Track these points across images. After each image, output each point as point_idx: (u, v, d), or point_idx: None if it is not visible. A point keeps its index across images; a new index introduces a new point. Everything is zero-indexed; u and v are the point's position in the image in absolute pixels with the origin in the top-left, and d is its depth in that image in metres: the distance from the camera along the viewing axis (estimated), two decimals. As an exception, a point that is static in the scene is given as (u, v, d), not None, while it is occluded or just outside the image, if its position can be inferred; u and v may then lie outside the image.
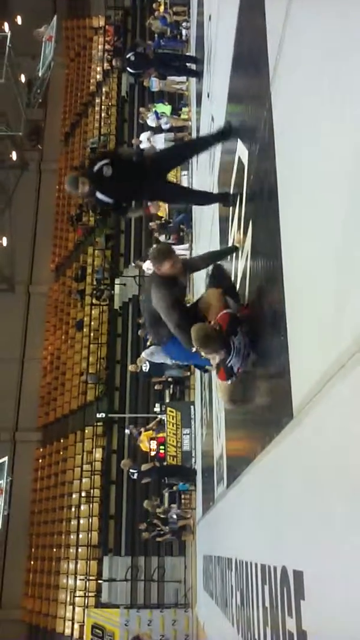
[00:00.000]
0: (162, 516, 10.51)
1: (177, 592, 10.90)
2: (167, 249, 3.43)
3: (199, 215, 8.89)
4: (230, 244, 3.82)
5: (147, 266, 12.67)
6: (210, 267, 3.70)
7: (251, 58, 3.13)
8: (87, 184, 3.76)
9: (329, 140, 1.67)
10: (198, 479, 9.32)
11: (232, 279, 3.52)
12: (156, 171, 3.99)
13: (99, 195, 3.79)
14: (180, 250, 12.02)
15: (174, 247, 12.36)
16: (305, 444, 1.88)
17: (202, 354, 2.92)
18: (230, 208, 3.99)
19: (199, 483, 8.94)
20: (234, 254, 3.61)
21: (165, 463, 10.51)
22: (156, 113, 13.16)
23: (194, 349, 2.99)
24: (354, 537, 1.38)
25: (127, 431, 12.33)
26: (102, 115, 18.00)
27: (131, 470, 10.75)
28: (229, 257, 3.81)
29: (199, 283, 6.87)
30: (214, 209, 5.72)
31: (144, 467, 10.57)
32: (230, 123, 3.85)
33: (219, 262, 3.68)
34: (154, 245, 3.97)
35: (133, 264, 14.18)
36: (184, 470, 10.12)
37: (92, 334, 15.36)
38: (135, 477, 10.72)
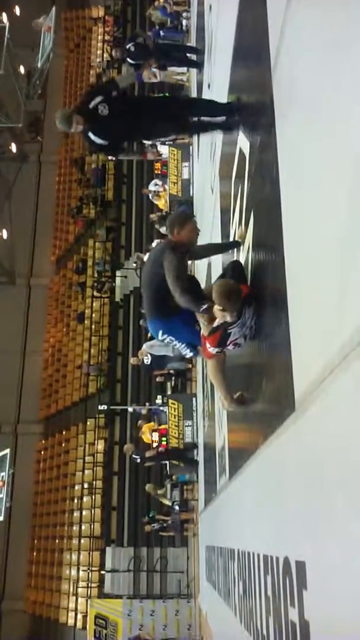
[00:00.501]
0: (165, 502, 10.56)
1: (180, 582, 10.99)
2: (189, 213, 3.40)
3: (200, 206, 8.86)
4: (232, 238, 3.81)
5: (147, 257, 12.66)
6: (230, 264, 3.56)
7: (252, 48, 3.11)
8: (81, 123, 3.55)
9: (330, 131, 1.65)
10: (200, 470, 9.35)
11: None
12: (154, 112, 3.79)
13: (92, 136, 3.59)
14: None
15: None
16: (307, 436, 1.89)
17: (209, 313, 2.85)
18: (232, 200, 3.97)
19: (201, 474, 8.98)
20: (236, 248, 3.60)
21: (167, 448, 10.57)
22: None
23: (204, 306, 2.90)
24: (356, 527, 1.39)
25: (130, 409, 12.38)
26: (102, 106, 17.88)
27: (134, 456, 10.81)
28: (230, 250, 3.80)
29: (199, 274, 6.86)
30: (214, 201, 5.70)
31: (147, 454, 10.65)
32: (239, 100, 3.61)
33: (239, 262, 3.53)
34: (172, 213, 3.82)
35: (134, 261, 14.14)
36: (188, 454, 10.20)
37: (93, 327, 15.37)
38: (138, 461, 10.78)
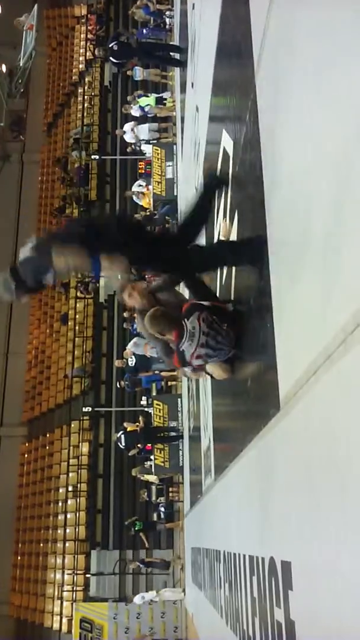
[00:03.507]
0: (152, 479, 10.49)
1: (166, 584, 10.95)
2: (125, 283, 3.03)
3: (185, 205, 8.84)
4: (216, 237, 3.79)
5: None
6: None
7: (235, 47, 3.10)
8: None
9: (314, 130, 1.65)
10: (185, 472, 9.34)
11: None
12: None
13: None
14: None
15: None
16: (292, 435, 1.88)
17: (155, 338, 2.89)
18: (216, 199, 3.96)
19: (187, 475, 8.96)
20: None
21: (151, 426, 10.56)
22: (141, 108, 13.07)
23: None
24: (341, 527, 1.38)
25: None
26: (85, 105, 17.78)
27: (118, 436, 10.78)
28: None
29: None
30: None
31: (129, 427, 10.63)
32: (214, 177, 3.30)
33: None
34: None
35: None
36: (170, 430, 10.22)
37: (77, 328, 15.26)
38: (122, 445, 10.71)
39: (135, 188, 13.31)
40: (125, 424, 11.00)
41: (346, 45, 1.37)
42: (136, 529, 11.15)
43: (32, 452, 16.37)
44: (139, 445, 10.57)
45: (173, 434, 10.15)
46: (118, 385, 12.67)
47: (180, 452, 10.02)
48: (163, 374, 11.09)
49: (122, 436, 10.64)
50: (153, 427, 10.51)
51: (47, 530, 14.32)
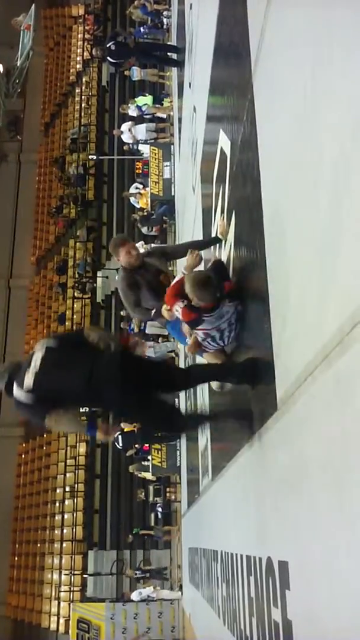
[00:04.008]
0: (148, 476, 10.46)
1: (163, 584, 10.95)
2: (120, 238, 3.45)
3: (182, 206, 8.85)
4: (213, 235, 3.79)
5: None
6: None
7: (233, 47, 3.10)
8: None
9: (311, 130, 1.65)
10: (183, 472, 9.34)
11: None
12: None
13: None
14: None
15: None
16: (289, 435, 1.88)
17: (160, 317, 2.91)
18: (213, 199, 3.96)
19: (184, 475, 8.96)
20: (218, 245, 3.59)
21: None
22: (138, 107, 13.06)
23: (152, 313, 3.17)
24: (338, 527, 1.38)
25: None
26: (83, 105, 17.77)
27: (115, 436, 10.74)
28: (212, 247, 3.79)
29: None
30: (196, 201, 5.69)
31: (126, 428, 10.60)
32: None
33: (221, 260, 3.43)
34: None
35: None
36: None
37: (74, 328, 15.24)
38: (120, 445, 10.69)
39: (132, 190, 13.31)
40: (122, 424, 10.99)
41: (343, 46, 1.37)
42: (133, 532, 11.18)
43: (29, 452, 16.34)
44: (136, 445, 10.57)
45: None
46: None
47: (178, 452, 10.02)
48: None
49: (120, 436, 10.63)
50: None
51: (45, 531, 14.29)
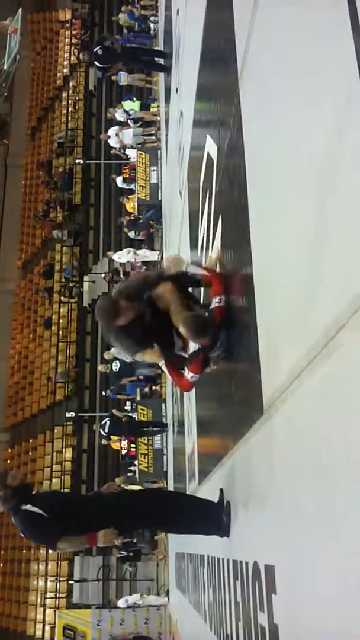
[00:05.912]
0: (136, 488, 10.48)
1: (150, 590, 10.88)
2: (113, 306, 2.75)
3: (169, 210, 8.86)
4: (200, 243, 3.78)
5: (118, 257, 12.58)
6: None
7: (219, 53, 3.12)
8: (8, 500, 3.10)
9: (297, 136, 1.66)
10: (169, 477, 9.31)
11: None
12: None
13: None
14: (149, 256, 12.00)
15: (143, 251, 12.32)
16: (275, 439, 1.88)
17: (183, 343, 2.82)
18: (200, 204, 3.97)
19: (171, 480, 8.93)
20: (204, 247, 3.58)
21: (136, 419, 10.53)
22: (125, 112, 13.05)
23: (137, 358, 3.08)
24: (323, 531, 1.38)
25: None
26: (70, 109, 17.73)
27: (102, 422, 10.69)
28: (198, 252, 3.80)
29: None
30: (183, 206, 5.70)
31: (116, 412, 10.59)
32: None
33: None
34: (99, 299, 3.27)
35: (103, 264, 13.98)
36: (155, 425, 10.20)
37: (60, 332, 15.14)
38: (105, 432, 10.61)
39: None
40: (114, 411, 10.94)
41: (329, 51, 1.39)
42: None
43: (15, 458, 16.16)
44: (122, 436, 10.54)
45: (158, 428, 10.17)
46: (103, 393, 12.61)
47: (165, 457, 9.98)
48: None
49: (108, 422, 10.53)
50: (138, 421, 10.52)
51: (30, 537, 14.12)
